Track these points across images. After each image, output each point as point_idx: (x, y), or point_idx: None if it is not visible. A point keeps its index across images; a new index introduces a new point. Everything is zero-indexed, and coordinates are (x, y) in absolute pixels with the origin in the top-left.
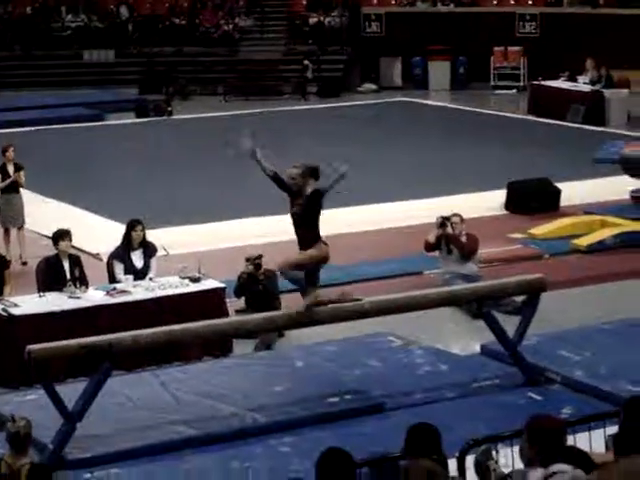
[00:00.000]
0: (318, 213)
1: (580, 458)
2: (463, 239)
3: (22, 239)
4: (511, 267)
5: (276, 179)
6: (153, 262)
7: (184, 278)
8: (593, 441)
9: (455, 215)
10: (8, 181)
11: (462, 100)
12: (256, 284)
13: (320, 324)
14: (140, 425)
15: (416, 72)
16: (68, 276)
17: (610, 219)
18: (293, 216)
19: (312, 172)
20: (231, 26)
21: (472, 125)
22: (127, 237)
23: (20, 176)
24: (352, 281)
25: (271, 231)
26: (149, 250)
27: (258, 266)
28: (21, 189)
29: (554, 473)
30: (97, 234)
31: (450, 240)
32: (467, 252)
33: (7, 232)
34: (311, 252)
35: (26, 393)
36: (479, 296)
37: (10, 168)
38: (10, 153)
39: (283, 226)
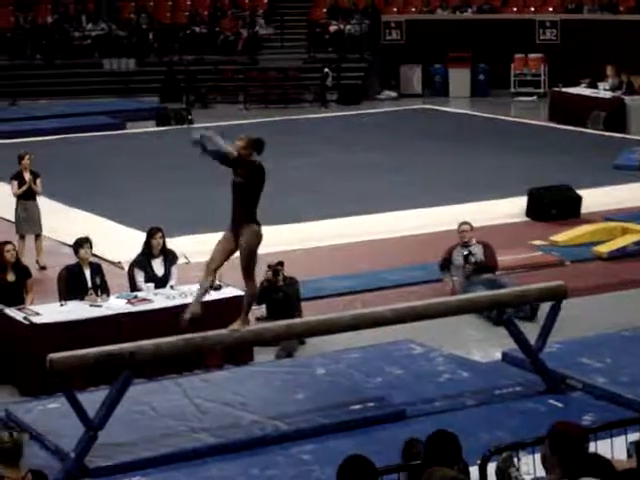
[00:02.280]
0: (260, 188)
1: (602, 466)
2: (478, 248)
3: (39, 247)
4: (532, 274)
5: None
6: (174, 270)
7: None
8: (615, 448)
9: (464, 223)
10: (24, 187)
11: (482, 107)
12: (276, 292)
13: (341, 332)
14: (161, 433)
15: (436, 79)
16: (89, 284)
17: (631, 226)
18: (234, 186)
19: (256, 144)
20: (251, 34)
21: (492, 132)
22: (147, 245)
23: (36, 183)
24: (372, 289)
25: (291, 239)
26: (170, 258)
27: (276, 273)
28: (38, 197)
29: None
30: (118, 242)
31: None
32: (493, 269)
33: (22, 239)
34: (247, 242)
35: (48, 401)
36: (500, 303)
37: (26, 175)
38: (26, 160)
39: (303, 234)
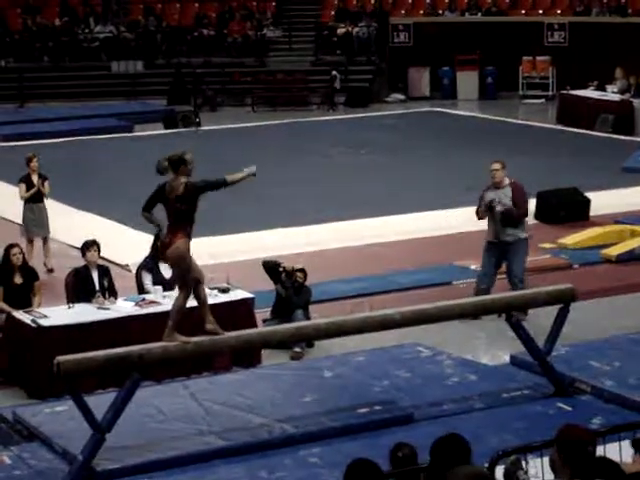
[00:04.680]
0: (193, 210)
1: (610, 469)
2: (505, 191)
3: (47, 250)
4: (541, 277)
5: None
6: None
7: (213, 289)
8: (623, 451)
9: (495, 162)
10: (32, 191)
11: (490, 110)
12: (283, 285)
13: (349, 335)
14: (169, 436)
15: (444, 82)
16: (97, 287)
17: None
18: (168, 209)
19: (171, 163)
20: (259, 37)
21: (501, 135)
22: (154, 247)
23: (44, 186)
24: (381, 291)
25: (299, 242)
26: None
27: (289, 274)
28: (45, 199)
29: None
30: (126, 245)
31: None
32: (520, 218)
33: (31, 243)
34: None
35: (55, 404)
36: (509, 306)
37: (35, 178)
38: (34, 163)
39: (311, 237)
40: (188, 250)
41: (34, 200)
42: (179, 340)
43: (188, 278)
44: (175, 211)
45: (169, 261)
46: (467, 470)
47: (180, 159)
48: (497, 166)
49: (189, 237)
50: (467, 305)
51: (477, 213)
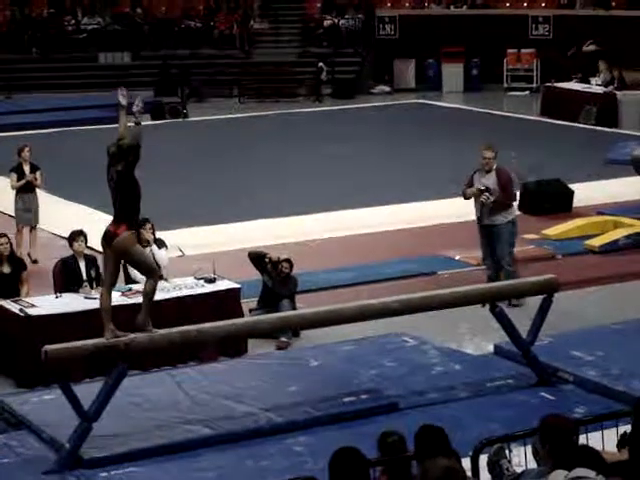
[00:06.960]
0: (132, 198)
1: (592, 457)
2: (492, 176)
3: (34, 239)
4: (524, 267)
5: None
6: (162, 253)
7: (199, 279)
8: (605, 440)
9: (487, 149)
10: (23, 181)
11: (475, 102)
12: (269, 276)
13: (335, 324)
14: (156, 424)
15: (430, 74)
16: (84, 277)
17: (623, 220)
18: (110, 183)
19: (120, 150)
20: (246, 29)
21: (485, 127)
22: (137, 236)
23: (36, 176)
24: (366, 281)
25: (284, 232)
26: (159, 246)
27: (275, 264)
28: (37, 189)
29: (578, 478)
30: None
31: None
32: (503, 207)
33: (20, 232)
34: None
35: (43, 393)
36: (493, 296)
37: (26, 168)
38: (26, 153)
39: (296, 228)
40: (134, 243)
41: (25, 190)
42: (151, 330)
43: (148, 265)
44: (115, 199)
45: (114, 254)
46: (440, 463)
47: (136, 146)
48: (489, 154)
49: (135, 228)
50: (451, 295)
51: (464, 193)
